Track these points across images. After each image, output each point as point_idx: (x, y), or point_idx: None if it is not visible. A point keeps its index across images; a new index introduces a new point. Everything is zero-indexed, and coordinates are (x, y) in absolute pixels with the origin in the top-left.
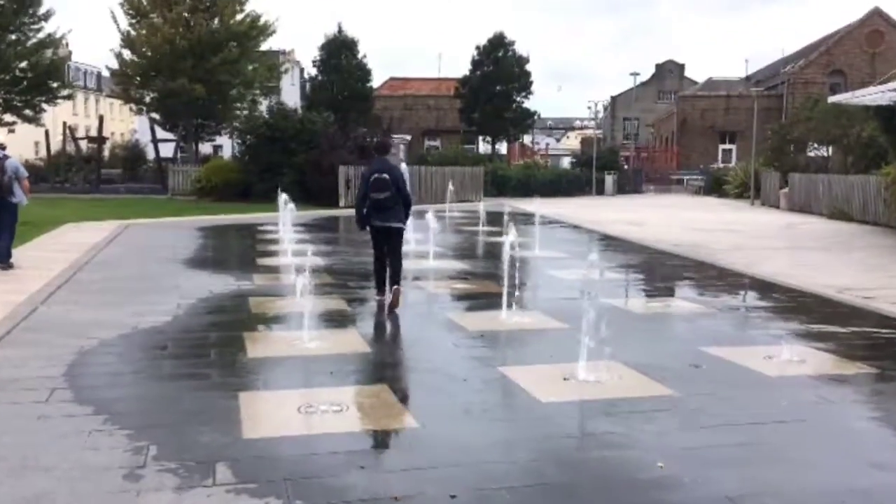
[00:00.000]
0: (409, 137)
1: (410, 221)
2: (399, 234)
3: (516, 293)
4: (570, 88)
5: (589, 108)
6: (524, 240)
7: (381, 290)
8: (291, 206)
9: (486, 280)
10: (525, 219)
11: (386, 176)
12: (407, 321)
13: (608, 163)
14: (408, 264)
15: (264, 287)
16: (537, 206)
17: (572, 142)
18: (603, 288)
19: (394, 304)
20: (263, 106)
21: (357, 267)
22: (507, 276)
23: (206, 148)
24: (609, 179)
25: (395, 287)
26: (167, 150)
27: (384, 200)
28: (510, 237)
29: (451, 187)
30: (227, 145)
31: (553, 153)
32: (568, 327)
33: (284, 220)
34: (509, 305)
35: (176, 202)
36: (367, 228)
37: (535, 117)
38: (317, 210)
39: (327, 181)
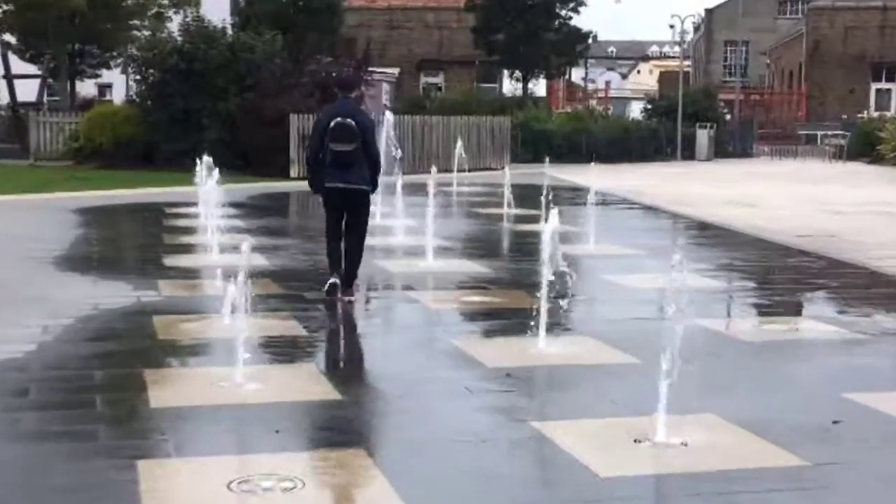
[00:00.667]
0: (396, 72)
1: (383, 194)
2: (365, 200)
3: (560, 310)
4: None
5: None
6: (573, 229)
7: (335, 270)
8: (217, 176)
9: (513, 290)
10: (574, 196)
11: (350, 121)
12: (396, 351)
13: (701, 111)
14: (397, 265)
15: (176, 300)
16: (593, 176)
17: (645, 78)
18: (693, 302)
19: (347, 293)
20: (174, 23)
21: (318, 268)
22: (547, 285)
23: (87, 88)
24: (703, 136)
25: (349, 299)
26: (27, 92)
27: (347, 154)
28: (551, 224)
29: (460, 148)
30: (118, 84)
31: (617, 95)
32: (638, 362)
33: (207, 197)
34: (549, 328)
35: (41, 170)
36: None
37: (590, 41)
38: (257, 182)
39: (272, 138)
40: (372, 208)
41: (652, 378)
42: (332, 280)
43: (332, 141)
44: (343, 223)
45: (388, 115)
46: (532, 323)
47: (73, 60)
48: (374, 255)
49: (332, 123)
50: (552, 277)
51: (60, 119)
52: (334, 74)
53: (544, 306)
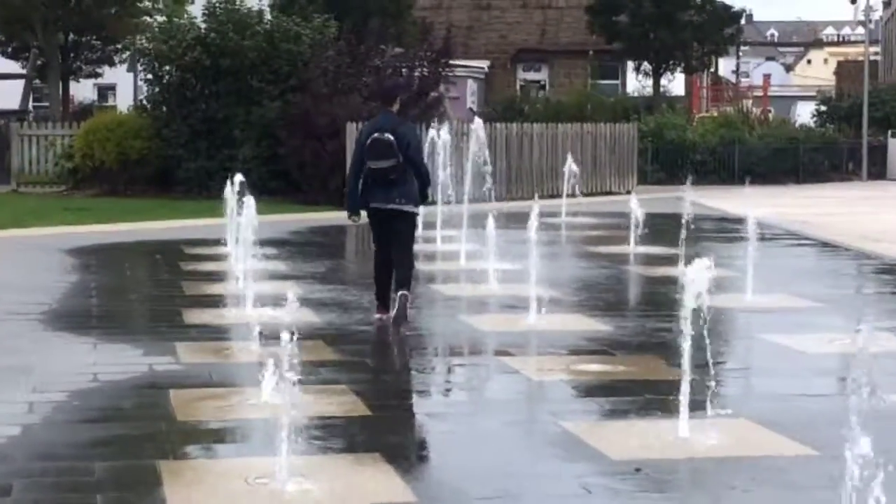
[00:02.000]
0: (485, 65)
1: (469, 227)
2: (410, 221)
3: (708, 383)
4: None
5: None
6: (724, 273)
7: (382, 305)
8: (253, 204)
9: (644, 356)
10: (725, 229)
11: (388, 136)
12: (488, 438)
13: (894, 114)
14: (489, 322)
15: (199, 369)
16: (749, 202)
17: (818, 69)
18: (889, 373)
19: (400, 316)
20: (196, 6)
21: (388, 327)
22: (689, 348)
23: (84, 91)
24: None
25: (402, 293)
26: (8, 97)
27: (386, 171)
28: (695, 267)
29: (571, 166)
30: (124, 85)
31: (779, 94)
32: (816, 454)
33: (239, 233)
34: (694, 408)
35: (26, 198)
36: (362, 213)
37: (744, 21)
38: (304, 212)
39: (324, 155)
40: (454, 247)
41: (836, 477)
42: (378, 316)
43: (370, 158)
44: (390, 244)
45: (477, 123)
46: (670, 400)
47: (66, 55)
48: (459, 309)
49: (370, 140)
50: (697, 339)
51: (50, 131)
52: (406, 70)
53: (687, 378)
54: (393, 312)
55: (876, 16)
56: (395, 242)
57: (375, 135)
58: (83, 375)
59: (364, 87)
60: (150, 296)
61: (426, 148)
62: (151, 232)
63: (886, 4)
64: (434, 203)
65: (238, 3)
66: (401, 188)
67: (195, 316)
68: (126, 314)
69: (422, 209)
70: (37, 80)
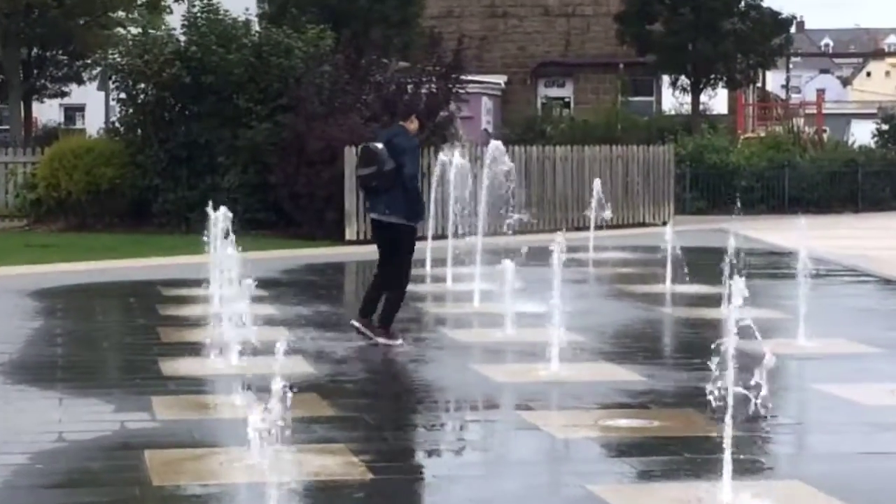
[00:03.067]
0: (502, 81)
1: (482, 264)
2: (399, 233)
3: (755, 440)
4: None
5: None
6: (773, 315)
7: (364, 313)
8: (238, 240)
9: (681, 409)
10: (774, 265)
11: (377, 145)
12: (508, 502)
13: None
14: (506, 372)
15: (178, 427)
16: (802, 234)
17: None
18: None
19: (371, 335)
20: (175, 17)
21: (387, 376)
22: (734, 401)
23: (49, 112)
24: None
25: (379, 328)
26: None
27: (367, 178)
28: (738, 307)
29: (599, 193)
30: (94, 105)
31: (834, 111)
32: None
33: (223, 272)
34: (738, 469)
35: None
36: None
37: (793, 30)
38: (297, 248)
39: (319, 183)
40: (467, 286)
41: None
42: (353, 322)
43: (357, 167)
44: (385, 257)
45: (495, 145)
46: (712, 460)
47: (28, 72)
48: (472, 358)
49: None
50: (743, 389)
51: (10, 158)
52: (413, 86)
53: (730, 434)
54: (365, 331)
55: None
56: (388, 260)
57: (367, 143)
58: (47, 434)
59: (365, 106)
60: (123, 344)
61: (436, 173)
62: (124, 271)
63: None
64: (444, 237)
65: (222, 12)
66: (385, 198)
67: (173, 367)
68: (96, 365)
69: (431, 244)
70: None
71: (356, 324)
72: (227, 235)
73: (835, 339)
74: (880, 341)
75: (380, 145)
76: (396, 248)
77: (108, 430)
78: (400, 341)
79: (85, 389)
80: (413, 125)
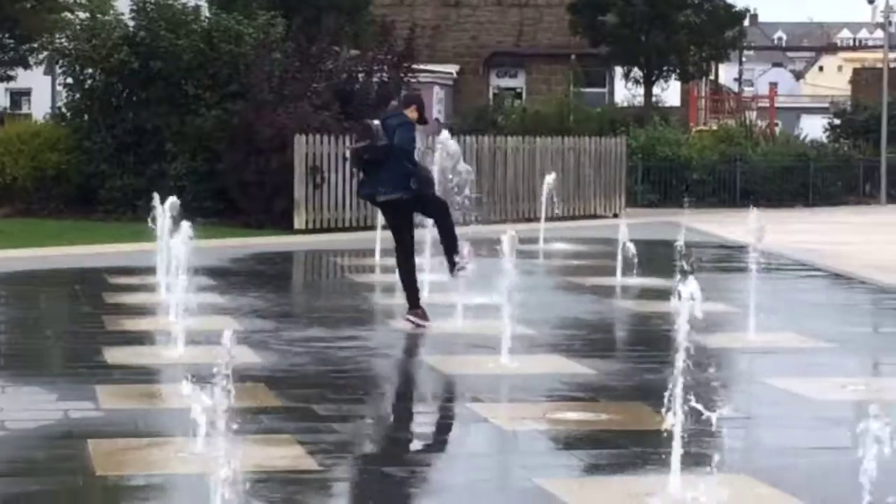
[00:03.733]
0: (454, 71)
1: (434, 255)
2: (404, 207)
3: (703, 434)
4: None
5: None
6: (723, 308)
7: (414, 306)
8: (187, 228)
9: (630, 402)
10: (725, 258)
11: (372, 122)
12: (453, 495)
13: None
14: (456, 364)
15: (122, 416)
16: (753, 228)
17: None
18: None
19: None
20: (122, 1)
21: (334, 368)
22: (681, 391)
23: None
24: None
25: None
26: None
27: (360, 151)
28: (688, 300)
29: (551, 185)
30: (40, 90)
31: (787, 105)
32: None
33: (170, 260)
34: (686, 463)
35: None
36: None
37: (747, 23)
38: (246, 237)
39: (269, 171)
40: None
41: None
42: (409, 318)
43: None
44: (403, 234)
45: (444, 135)
46: (659, 453)
47: None
48: (422, 349)
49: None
50: (691, 382)
51: None
52: (364, 75)
53: (678, 428)
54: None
55: None
56: (408, 230)
57: (364, 120)
58: None
59: (315, 95)
60: (68, 332)
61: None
62: (70, 258)
63: None
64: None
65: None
66: (382, 175)
67: (118, 355)
68: (39, 353)
69: (380, 234)
70: None
71: (410, 318)
72: (174, 223)
73: (785, 333)
74: (830, 335)
75: (376, 122)
76: (403, 222)
77: (52, 419)
78: (427, 323)
79: (28, 378)
80: (413, 114)
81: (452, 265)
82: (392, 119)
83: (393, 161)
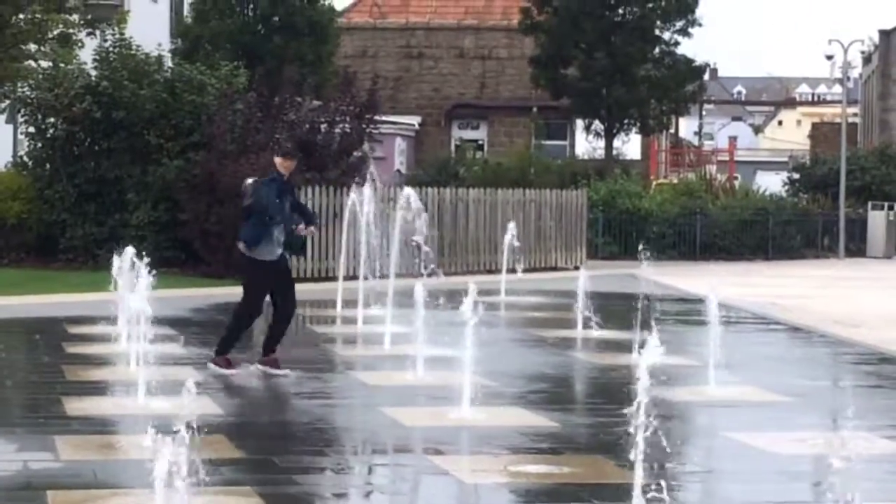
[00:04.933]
0: (416, 122)
1: (395, 306)
2: (241, 262)
3: (663, 487)
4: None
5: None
6: (683, 362)
7: (222, 353)
8: (147, 277)
9: (592, 455)
10: (685, 312)
11: (248, 180)
12: None
13: (876, 183)
14: (415, 416)
15: (82, 467)
16: (713, 281)
17: (790, 132)
18: (869, 478)
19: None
20: (87, 51)
21: (297, 420)
22: (644, 447)
23: None
24: (877, 221)
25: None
26: None
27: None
28: (649, 353)
29: (512, 237)
30: (2, 137)
31: (746, 159)
32: None
33: (130, 310)
34: None
35: None
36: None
37: (707, 77)
38: (206, 286)
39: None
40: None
41: None
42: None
43: None
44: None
45: (407, 192)
46: None
47: None
48: (382, 400)
49: None
50: (652, 435)
51: None
52: (326, 126)
53: (639, 481)
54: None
55: (855, 73)
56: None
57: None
58: None
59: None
60: (27, 382)
61: (347, 215)
62: (29, 307)
63: (866, 61)
64: (356, 278)
65: (134, 48)
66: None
67: (78, 405)
68: None
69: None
70: None
71: (259, 366)
72: (134, 273)
73: (745, 387)
74: (790, 389)
75: (249, 181)
76: (259, 282)
77: (11, 469)
78: (233, 371)
79: None
80: (288, 164)
81: (267, 354)
82: (256, 180)
83: (251, 221)
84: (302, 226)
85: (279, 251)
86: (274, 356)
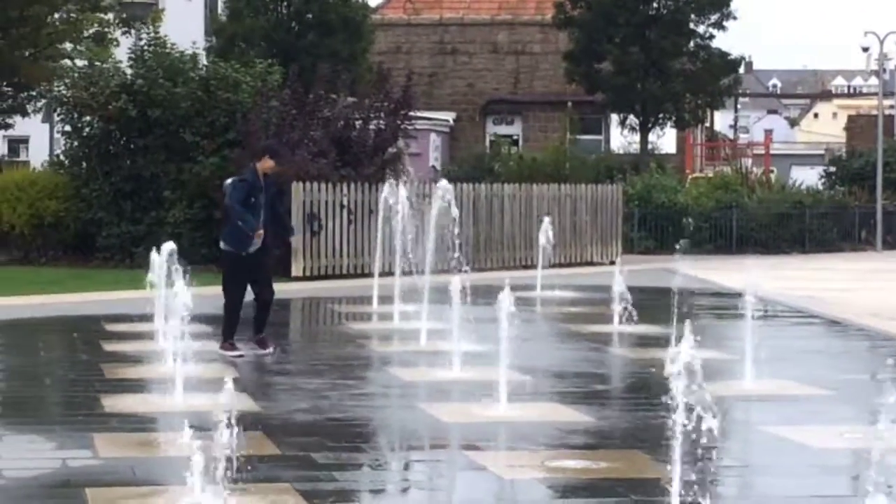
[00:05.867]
0: (450, 118)
1: (430, 303)
2: (222, 258)
3: (702, 482)
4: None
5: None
6: (720, 356)
7: (228, 338)
8: (184, 275)
9: (629, 451)
10: (721, 305)
11: (227, 181)
12: None
13: None
14: (452, 412)
15: (120, 464)
16: (750, 275)
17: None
18: None
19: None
20: (122, 49)
21: (332, 416)
22: (682, 442)
23: None
24: None
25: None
26: None
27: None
28: (686, 348)
29: (547, 232)
30: (38, 138)
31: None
32: None
33: (167, 307)
34: None
35: None
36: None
37: (742, 70)
38: None
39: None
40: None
41: None
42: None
43: None
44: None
45: (443, 184)
46: (658, 502)
47: None
48: (419, 397)
49: None
50: (690, 430)
51: None
52: (360, 121)
53: (678, 476)
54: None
55: (891, 65)
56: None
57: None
58: None
59: (312, 142)
60: (65, 380)
61: (381, 211)
62: (68, 306)
63: None
64: (391, 274)
65: (169, 46)
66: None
67: (116, 403)
68: (37, 401)
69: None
70: None
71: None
72: (171, 271)
73: (783, 381)
74: (828, 383)
75: (228, 181)
76: (233, 273)
77: (49, 467)
78: (239, 352)
79: (26, 426)
80: (265, 164)
81: (259, 340)
82: (233, 178)
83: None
84: (261, 231)
85: (252, 247)
86: (261, 336)
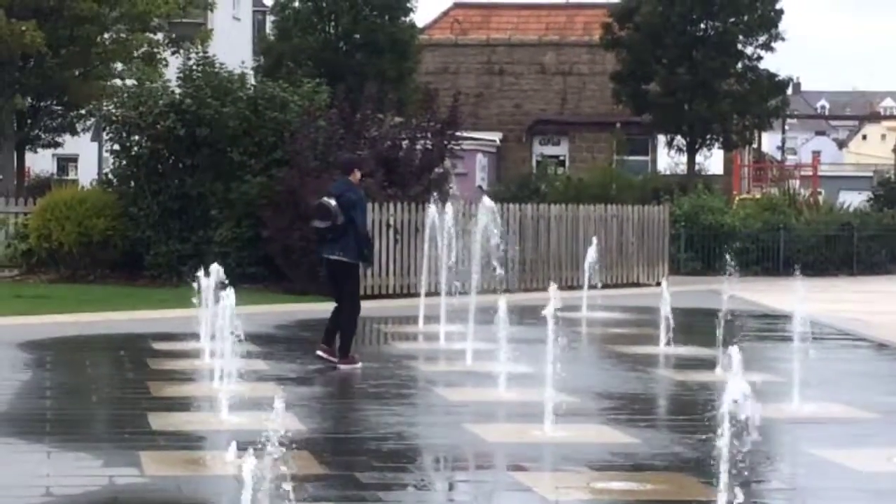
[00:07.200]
0: (497, 138)
1: (476, 322)
2: (344, 270)
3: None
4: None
5: None
6: (768, 378)
7: (326, 342)
8: (232, 294)
9: (676, 473)
10: (769, 328)
11: (330, 201)
12: None
13: None
14: (497, 432)
15: (167, 483)
16: (798, 297)
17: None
18: None
19: (340, 360)
20: (170, 69)
21: (379, 435)
22: (729, 465)
23: (41, 162)
24: None
25: (343, 358)
26: None
27: (322, 231)
28: (735, 371)
29: (594, 253)
30: (87, 156)
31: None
32: None
33: (215, 326)
34: None
35: None
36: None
37: (790, 92)
38: (290, 302)
39: (313, 238)
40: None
41: None
42: (317, 351)
43: (313, 218)
44: (336, 293)
45: (486, 202)
46: None
47: (22, 122)
48: (464, 417)
49: (316, 203)
50: (737, 453)
51: (2, 208)
52: (407, 141)
53: (724, 499)
54: (326, 356)
55: None
56: (338, 298)
57: (322, 199)
58: (34, 489)
59: (361, 160)
60: (113, 397)
61: (427, 230)
62: (115, 324)
63: None
64: (437, 294)
65: (217, 66)
66: (341, 244)
67: (163, 421)
68: (84, 418)
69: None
70: None
71: (319, 352)
72: (218, 290)
73: (830, 404)
74: (876, 406)
75: (332, 202)
76: (341, 282)
77: (97, 485)
78: (359, 365)
79: (73, 443)
80: (356, 177)
81: (343, 353)
82: (350, 194)
83: (351, 235)
84: None
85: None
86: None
